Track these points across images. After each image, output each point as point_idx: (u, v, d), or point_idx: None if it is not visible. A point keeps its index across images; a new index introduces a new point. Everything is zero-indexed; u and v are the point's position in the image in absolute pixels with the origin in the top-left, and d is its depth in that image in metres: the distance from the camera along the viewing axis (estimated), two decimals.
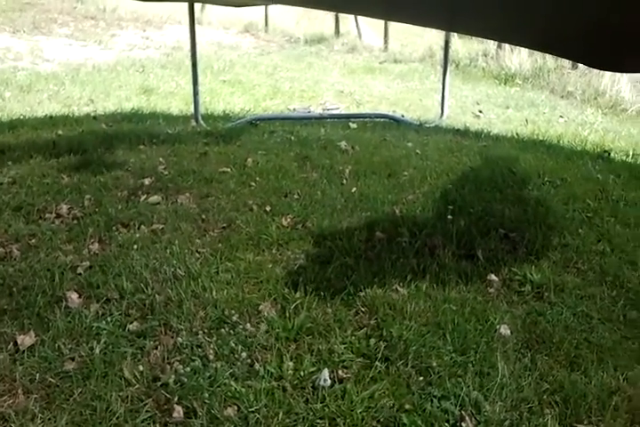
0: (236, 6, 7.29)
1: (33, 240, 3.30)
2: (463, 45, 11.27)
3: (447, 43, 7.07)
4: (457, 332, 2.62)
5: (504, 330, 2.69)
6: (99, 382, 2.21)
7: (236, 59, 10.98)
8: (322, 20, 14.66)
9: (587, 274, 3.25)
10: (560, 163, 5.05)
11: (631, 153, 5.55)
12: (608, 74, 9.13)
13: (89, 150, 4.87)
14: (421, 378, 2.34)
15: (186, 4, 6.57)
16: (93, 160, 4.64)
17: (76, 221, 3.54)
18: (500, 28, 2.76)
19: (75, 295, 2.73)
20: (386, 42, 12.63)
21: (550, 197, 4.25)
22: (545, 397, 2.30)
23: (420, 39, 12.33)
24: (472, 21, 2.72)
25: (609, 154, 5.40)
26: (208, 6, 12.97)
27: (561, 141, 6.08)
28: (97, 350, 2.37)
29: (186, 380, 2.23)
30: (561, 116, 7.66)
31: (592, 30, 2.16)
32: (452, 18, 2.73)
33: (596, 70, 8.82)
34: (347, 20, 13.86)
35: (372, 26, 13.32)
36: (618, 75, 8.99)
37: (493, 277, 3.16)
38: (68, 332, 2.49)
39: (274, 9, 14.53)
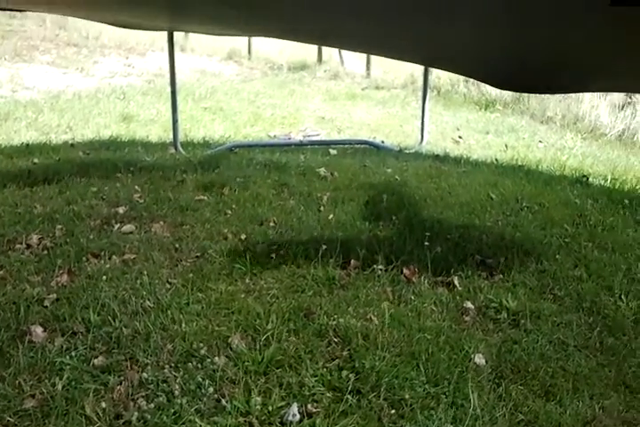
0: (216, 35, 7.30)
1: (1, 272, 3.23)
2: (445, 72, 11.33)
3: (427, 69, 7.10)
4: (431, 362, 2.58)
5: (479, 359, 2.65)
6: (59, 421, 2.14)
7: (218, 86, 10.99)
8: (305, 47, 14.69)
9: (563, 300, 3.22)
10: (538, 188, 5.05)
11: (609, 177, 5.55)
12: (587, 99, 9.21)
13: (64, 179, 4.81)
14: (393, 411, 2.29)
15: None
16: (68, 189, 4.59)
17: (45, 252, 3.48)
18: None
19: (39, 329, 2.65)
20: (368, 68, 12.71)
21: (528, 222, 4.23)
22: None
23: (403, 66, 12.37)
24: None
25: (587, 179, 5.40)
26: (191, 33, 13.01)
27: (540, 166, 6.09)
28: (59, 387, 2.30)
29: (149, 417, 2.16)
30: (540, 142, 7.69)
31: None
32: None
33: (574, 95, 8.91)
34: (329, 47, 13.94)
35: (354, 53, 13.40)
36: (596, 100, 9.09)
37: (469, 304, 3.12)
38: (31, 368, 2.42)
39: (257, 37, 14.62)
